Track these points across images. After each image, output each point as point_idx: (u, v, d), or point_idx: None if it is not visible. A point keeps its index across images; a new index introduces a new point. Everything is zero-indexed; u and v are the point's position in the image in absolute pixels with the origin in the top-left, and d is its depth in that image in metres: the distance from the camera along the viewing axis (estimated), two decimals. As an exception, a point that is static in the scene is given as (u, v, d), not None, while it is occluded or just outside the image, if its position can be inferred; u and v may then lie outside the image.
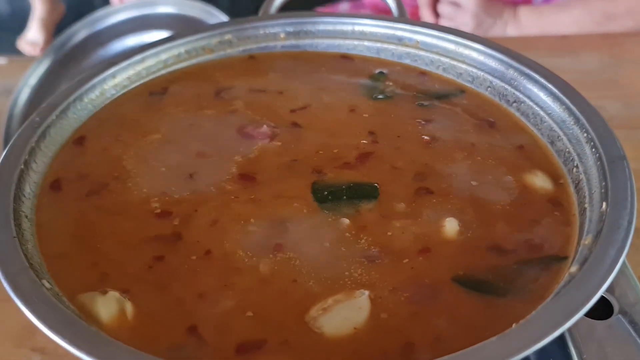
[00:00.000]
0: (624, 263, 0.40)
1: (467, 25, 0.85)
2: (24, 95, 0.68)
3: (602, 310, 0.37)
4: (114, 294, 0.27)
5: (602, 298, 0.37)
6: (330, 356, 0.25)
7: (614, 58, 0.78)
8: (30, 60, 0.87)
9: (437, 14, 0.93)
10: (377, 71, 0.43)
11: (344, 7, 1.13)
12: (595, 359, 0.34)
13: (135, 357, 0.22)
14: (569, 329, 0.35)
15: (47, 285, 0.26)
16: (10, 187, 0.30)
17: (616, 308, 0.36)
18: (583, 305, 0.23)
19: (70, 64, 0.71)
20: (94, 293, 0.27)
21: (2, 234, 0.27)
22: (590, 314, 0.36)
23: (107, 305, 0.26)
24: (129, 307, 0.27)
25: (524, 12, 0.85)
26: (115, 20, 0.72)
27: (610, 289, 0.38)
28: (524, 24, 0.85)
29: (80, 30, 0.72)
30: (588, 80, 0.72)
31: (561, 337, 0.36)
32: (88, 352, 0.22)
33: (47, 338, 0.45)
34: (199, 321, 0.26)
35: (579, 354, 0.34)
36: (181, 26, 0.67)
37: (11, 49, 1.98)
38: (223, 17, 0.66)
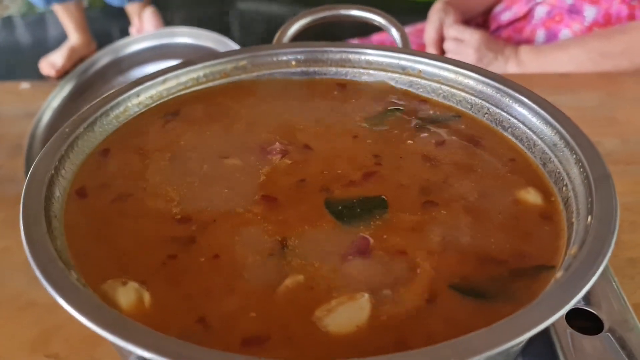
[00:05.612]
0: (615, 284, 0.42)
1: (469, 59, 0.89)
2: (46, 116, 0.71)
3: (593, 326, 0.38)
4: (133, 284, 0.29)
5: (593, 315, 0.39)
6: (330, 350, 0.27)
7: (612, 96, 0.81)
8: (51, 85, 0.90)
9: (442, 52, 0.97)
10: (393, 107, 0.46)
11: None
12: (585, 371, 0.35)
13: (154, 337, 0.24)
14: (561, 343, 0.37)
15: (74, 275, 0.28)
16: (42, 188, 0.32)
17: (606, 325, 0.38)
18: (566, 303, 0.25)
19: (92, 88, 0.75)
20: (115, 283, 0.29)
21: (35, 229, 0.29)
22: (581, 330, 0.38)
23: (127, 294, 0.28)
24: (146, 296, 0.29)
25: (524, 50, 0.88)
26: (136, 49, 0.75)
27: (600, 308, 0.40)
28: (524, 61, 0.88)
29: (102, 58, 0.75)
30: (587, 117, 0.74)
31: (553, 350, 0.37)
32: (112, 332, 0.24)
33: (60, 345, 0.47)
34: (206, 314, 0.28)
35: (570, 366, 0.36)
36: (197, 55, 0.70)
37: (33, 74, 2.05)
38: (236, 47, 0.69)
